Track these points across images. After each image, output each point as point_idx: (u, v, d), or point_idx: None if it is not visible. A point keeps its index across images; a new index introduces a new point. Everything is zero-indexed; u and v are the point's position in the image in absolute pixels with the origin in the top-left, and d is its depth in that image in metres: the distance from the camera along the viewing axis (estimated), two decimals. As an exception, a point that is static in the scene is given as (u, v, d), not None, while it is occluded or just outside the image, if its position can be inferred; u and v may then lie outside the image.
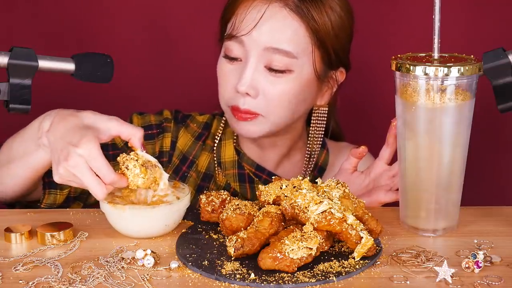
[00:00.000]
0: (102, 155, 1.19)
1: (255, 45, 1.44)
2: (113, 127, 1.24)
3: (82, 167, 1.18)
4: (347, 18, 1.49)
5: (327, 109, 1.56)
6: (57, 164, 1.21)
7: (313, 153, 1.59)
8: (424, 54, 1.26)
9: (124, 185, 1.22)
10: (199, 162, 1.58)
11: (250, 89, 1.44)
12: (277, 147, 1.57)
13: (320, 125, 1.57)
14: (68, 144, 1.19)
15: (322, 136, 1.59)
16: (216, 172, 1.58)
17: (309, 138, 1.59)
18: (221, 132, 1.59)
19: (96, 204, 1.46)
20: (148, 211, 1.23)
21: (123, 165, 1.22)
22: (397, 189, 1.37)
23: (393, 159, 1.39)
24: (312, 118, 1.57)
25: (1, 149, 1.39)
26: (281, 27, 1.43)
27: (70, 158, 1.19)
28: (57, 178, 1.22)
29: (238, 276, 1.10)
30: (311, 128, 1.58)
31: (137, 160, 1.23)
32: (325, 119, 1.56)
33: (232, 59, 1.47)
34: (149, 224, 1.24)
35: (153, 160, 1.25)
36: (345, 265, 1.13)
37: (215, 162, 1.58)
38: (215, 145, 1.59)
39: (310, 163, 1.59)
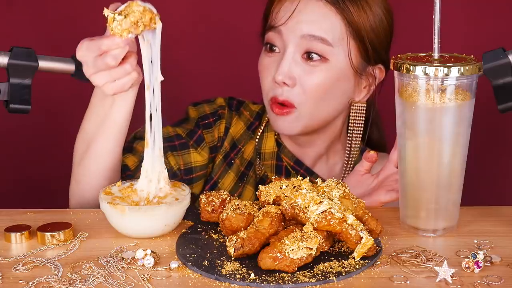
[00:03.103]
0: (90, 40, 1.26)
1: (292, 34, 1.48)
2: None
3: (93, 64, 1.27)
4: (384, 14, 1.52)
5: (365, 105, 1.57)
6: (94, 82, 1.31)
7: (352, 153, 1.59)
8: (424, 54, 1.26)
9: (118, 42, 1.24)
10: (246, 150, 1.63)
11: (287, 78, 1.48)
12: (315, 146, 1.60)
13: (358, 121, 1.58)
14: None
15: (361, 134, 1.59)
16: (257, 162, 1.62)
17: (348, 134, 1.59)
18: (265, 124, 1.63)
19: (95, 204, 1.46)
20: (148, 211, 1.23)
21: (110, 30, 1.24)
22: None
23: None
24: (350, 113, 1.58)
25: (75, 145, 1.44)
26: (317, 16, 1.48)
27: (85, 68, 1.28)
28: (108, 90, 1.30)
29: (238, 276, 1.10)
30: (349, 124, 1.58)
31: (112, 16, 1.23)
32: (364, 115, 1.57)
33: (271, 50, 1.52)
34: (149, 224, 1.24)
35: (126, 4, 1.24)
36: (345, 265, 1.13)
37: (256, 152, 1.62)
38: (258, 136, 1.63)
39: (349, 163, 1.60)
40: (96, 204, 1.41)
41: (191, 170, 1.58)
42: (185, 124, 1.61)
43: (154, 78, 1.26)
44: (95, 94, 1.39)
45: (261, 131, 1.63)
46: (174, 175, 1.55)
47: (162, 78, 1.27)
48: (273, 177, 1.25)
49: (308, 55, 1.48)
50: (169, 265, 1.14)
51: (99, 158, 1.40)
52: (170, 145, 1.55)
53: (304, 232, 1.14)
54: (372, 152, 1.43)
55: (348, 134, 1.59)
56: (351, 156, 1.59)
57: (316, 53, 1.48)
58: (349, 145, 1.59)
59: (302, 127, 1.52)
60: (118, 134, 1.38)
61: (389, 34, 1.55)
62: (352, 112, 1.57)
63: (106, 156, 1.40)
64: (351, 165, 1.60)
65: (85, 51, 1.27)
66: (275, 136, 1.62)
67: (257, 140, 1.63)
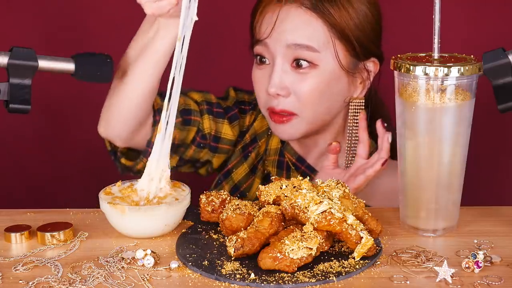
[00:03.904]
0: None
1: (277, 45, 1.49)
2: None
3: None
4: (368, 8, 1.52)
5: (363, 101, 1.56)
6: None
7: (352, 149, 1.59)
8: (424, 54, 1.26)
9: None
10: (262, 145, 1.66)
11: (280, 89, 1.49)
12: (318, 146, 1.61)
13: (357, 117, 1.58)
14: None
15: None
16: (265, 157, 1.66)
17: (348, 131, 1.59)
18: None
19: (96, 204, 1.46)
20: (148, 211, 1.23)
21: None
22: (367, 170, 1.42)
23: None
24: (349, 110, 1.58)
25: (118, 68, 1.47)
26: (299, 24, 1.48)
27: None
28: (147, 9, 1.34)
29: (238, 276, 1.10)
30: (348, 119, 1.58)
31: None
32: (362, 109, 1.57)
33: (262, 62, 1.53)
34: (149, 224, 1.24)
35: None
36: (345, 265, 1.13)
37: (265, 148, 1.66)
38: (268, 133, 1.66)
39: (349, 159, 1.59)
40: (123, 134, 1.48)
41: (219, 139, 1.62)
42: (224, 100, 1.65)
43: (189, 20, 1.28)
44: (145, 20, 1.43)
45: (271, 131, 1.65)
46: (203, 137, 1.59)
47: (197, 18, 1.29)
48: (273, 177, 1.25)
49: (297, 63, 1.49)
50: (169, 265, 1.14)
51: (136, 80, 1.43)
52: (208, 109, 1.59)
53: (304, 232, 1.14)
54: (334, 143, 1.45)
55: (348, 131, 1.59)
56: (351, 152, 1.59)
57: (305, 60, 1.49)
58: (349, 141, 1.59)
59: (302, 132, 1.54)
60: (157, 63, 1.41)
61: (376, 26, 1.54)
62: (351, 109, 1.57)
63: (142, 81, 1.43)
64: (351, 161, 1.59)
65: None
66: None
67: (267, 136, 1.66)
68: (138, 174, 1.54)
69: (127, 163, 1.56)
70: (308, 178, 1.22)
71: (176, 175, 1.59)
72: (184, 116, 1.57)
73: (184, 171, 1.65)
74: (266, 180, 1.63)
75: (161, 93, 1.54)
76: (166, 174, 1.28)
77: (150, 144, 1.51)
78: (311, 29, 1.48)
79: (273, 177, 1.25)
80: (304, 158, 1.62)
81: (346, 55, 1.50)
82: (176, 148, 1.56)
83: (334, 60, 1.49)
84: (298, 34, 1.48)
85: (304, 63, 1.48)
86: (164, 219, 1.24)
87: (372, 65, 1.55)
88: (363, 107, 1.56)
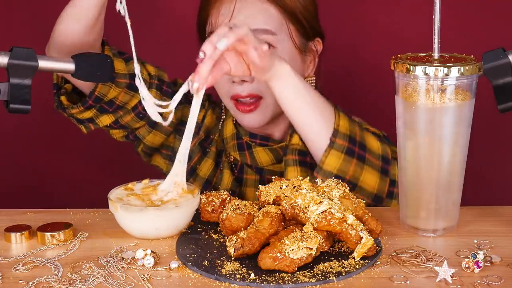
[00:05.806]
0: None
1: None
2: None
3: None
4: None
5: (314, 78, 1.64)
6: None
7: None
8: (424, 54, 1.26)
9: None
10: (217, 138, 1.68)
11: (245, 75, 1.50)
12: (279, 129, 1.63)
13: None
14: None
15: None
16: (223, 147, 1.67)
17: None
18: (224, 113, 1.67)
19: (96, 204, 1.46)
20: (138, 213, 1.22)
21: None
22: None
23: None
24: None
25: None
26: (255, 12, 1.55)
27: None
28: None
29: (238, 276, 1.10)
30: None
31: None
32: (314, 87, 1.62)
33: None
34: (139, 226, 1.23)
35: None
36: (345, 265, 1.13)
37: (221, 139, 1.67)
38: (219, 127, 1.68)
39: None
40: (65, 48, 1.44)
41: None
42: (174, 85, 1.64)
43: None
44: None
45: (222, 119, 1.68)
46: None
47: None
48: (273, 177, 1.25)
49: None
50: (169, 265, 1.14)
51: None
52: (158, 85, 1.59)
53: (304, 232, 1.14)
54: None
55: None
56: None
57: None
58: None
59: (269, 116, 1.57)
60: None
61: (315, 6, 1.63)
62: None
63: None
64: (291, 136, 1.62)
65: None
66: (233, 121, 1.65)
67: (220, 128, 1.68)
68: (70, 115, 1.52)
69: (65, 102, 1.53)
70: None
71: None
72: (132, 81, 1.52)
73: (116, 137, 1.63)
74: (233, 170, 1.65)
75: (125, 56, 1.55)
76: (182, 183, 1.28)
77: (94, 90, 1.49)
78: (267, 15, 1.54)
79: (274, 177, 1.25)
80: (255, 133, 1.62)
81: (298, 36, 1.58)
82: (116, 108, 1.54)
83: (289, 41, 1.56)
84: (255, 20, 1.53)
85: None
86: (156, 222, 1.23)
87: (317, 44, 1.64)
88: (315, 84, 1.63)
